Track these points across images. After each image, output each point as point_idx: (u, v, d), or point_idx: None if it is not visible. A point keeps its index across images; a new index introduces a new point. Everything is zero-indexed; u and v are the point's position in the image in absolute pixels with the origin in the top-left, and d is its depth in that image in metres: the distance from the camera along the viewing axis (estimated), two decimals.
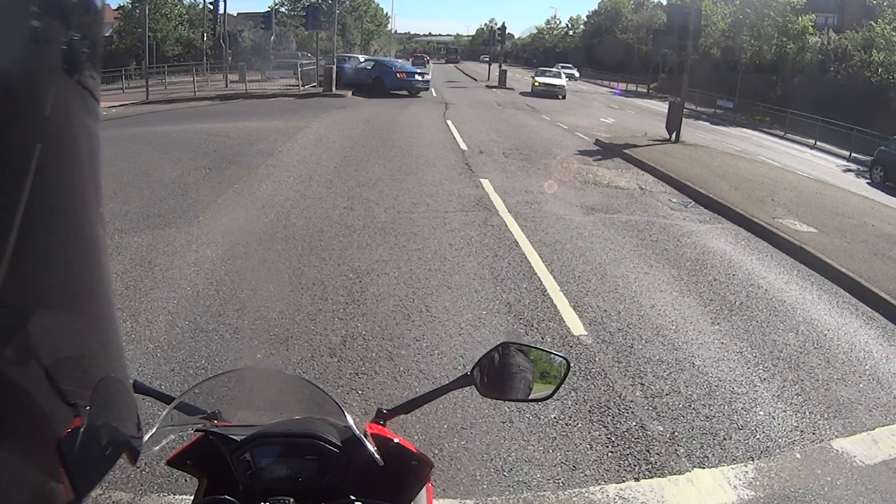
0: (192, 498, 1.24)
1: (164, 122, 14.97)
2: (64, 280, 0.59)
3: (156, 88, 24.02)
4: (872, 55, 28.23)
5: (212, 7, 32.23)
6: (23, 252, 0.51)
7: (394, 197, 7.97)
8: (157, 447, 1.06)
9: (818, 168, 17.43)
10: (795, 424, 3.61)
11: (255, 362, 3.78)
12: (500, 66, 36.68)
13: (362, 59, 28.33)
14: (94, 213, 0.61)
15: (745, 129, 26.48)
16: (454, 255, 5.86)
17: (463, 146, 12.52)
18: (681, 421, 3.51)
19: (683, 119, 15.33)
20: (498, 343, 1.38)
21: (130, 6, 35.32)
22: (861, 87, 27.21)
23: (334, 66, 23.91)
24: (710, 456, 3.22)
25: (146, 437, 1.01)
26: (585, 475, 2.98)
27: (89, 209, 0.61)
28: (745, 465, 3.17)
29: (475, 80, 40.58)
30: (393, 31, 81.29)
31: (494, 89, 32.51)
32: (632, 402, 3.64)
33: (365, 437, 1.09)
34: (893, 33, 28.48)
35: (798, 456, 3.31)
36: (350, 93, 23.17)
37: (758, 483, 3.04)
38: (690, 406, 3.66)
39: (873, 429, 3.66)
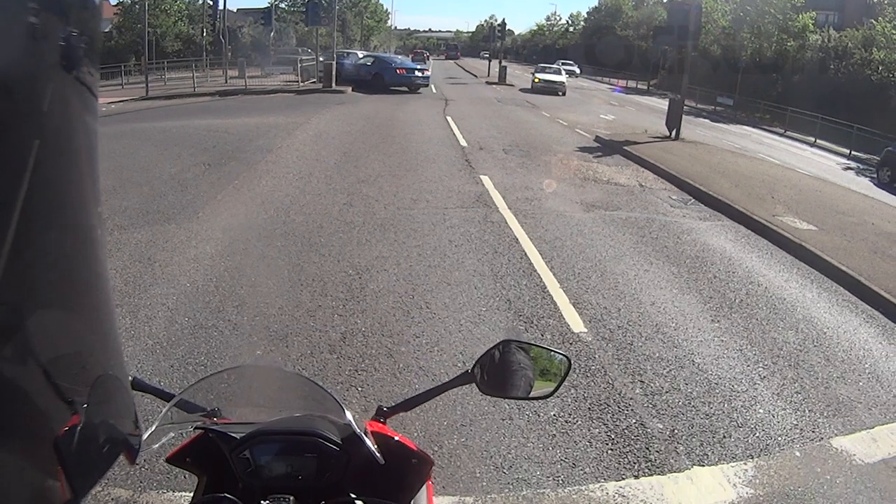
0: (191, 495, 1.23)
1: (163, 118, 14.94)
2: (62, 277, 0.59)
3: (155, 84, 23.96)
4: (873, 53, 28.17)
5: (211, 3, 32.24)
6: (20, 249, 0.50)
7: (393, 193, 7.96)
8: (157, 445, 1.06)
9: (818, 166, 17.41)
10: (795, 422, 3.61)
11: (255, 359, 3.78)
12: (500, 63, 36.58)
13: (360, 56, 28.25)
14: (92, 210, 0.61)
15: (745, 127, 26.45)
16: (454, 252, 5.86)
17: (463, 142, 12.50)
18: (680, 419, 3.51)
19: (683, 116, 15.30)
20: (498, 341, 1.36)
21: (130, 2, 35.22)
22: (861, 86, 27.15)
23: (334, 63, 23.87)
24: (709, 454, 3.22)
25: (145, 435, 1.01)
26: (585, 473, 2.98)
27: (87, 205, 0.60)
28: (745, 463, 3.17)
29: (475, 76, 40.50)
30: (393, 28, 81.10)
31: (494, 86, 32.44)
32: (631, 399, 3.64)
33: (365, 434, 1.08)
34: (894, 32, 28.41)
35: (797, 454, 3.31)
36: (350, 89, 23.14)
37: (757, 481, 3.04)
38: (690, 404, 3.66)
39: (873, 427, 3.66)
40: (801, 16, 32.76)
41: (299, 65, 25.51)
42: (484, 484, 2.84)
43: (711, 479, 3.03)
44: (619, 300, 5.09)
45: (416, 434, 3.06)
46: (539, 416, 3.37)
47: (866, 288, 5.87)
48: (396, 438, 1.24)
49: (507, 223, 6.93)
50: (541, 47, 77.70)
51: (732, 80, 31.80)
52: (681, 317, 4.90)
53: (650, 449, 3.20)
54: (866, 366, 4.45)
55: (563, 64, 42.29)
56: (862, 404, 3.91)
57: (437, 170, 9.63)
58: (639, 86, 42.13)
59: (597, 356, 4.12)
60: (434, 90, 26.43)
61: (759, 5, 33.98)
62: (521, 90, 30.08)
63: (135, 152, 9.74)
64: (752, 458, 3.23)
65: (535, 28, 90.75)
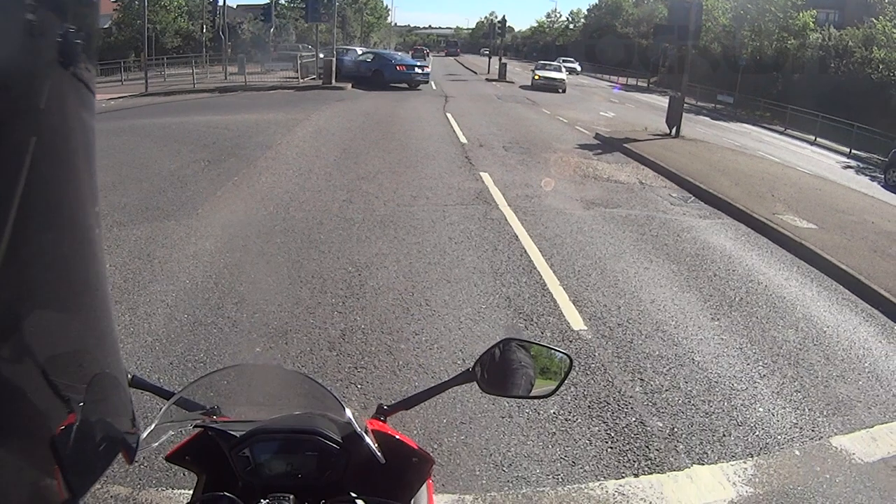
0: (191, 493, 1.23)
1: (162, 114, 14.91)
2: (59, 276, 0.58)
3: (155, 80, 23.92)
4: (873, 52, 28.13)
5: None
6: (17, 247, 0.50)
7: (393, 190, 7.95)
8: (156, 443, 1.05)
9: (818, 164, 17.40)
10: (795, 421, 3.61)
11: (254, 356, 3.77)
12: (500, 60, 36.56)
13: (360, 52, 28.20)
14: (89, 208, 0.60)
15: (745, 125, 26.42)
16: (454, 249, 5.85)
17: (463, 139, 12.49)
18: (680, 417, 3.50)
19: (684, 114, 15.29)
20: (499, 339, 1.36)
21: None
22: (861, 84, 27.12)
23: (334, 59, 23.83)
24: (709, 452, 3.22)
25: (144, 434, 1.00)
26: (585, 471, 2.98)
27: (85, 204, 0.60)
28: (745, 462, 3.17)
29: (475, 73, 40.46)
30: (393, 24, 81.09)
31: (494, 82, 32.40)
32: (631, 397, 3.64)
33: (366, 433, 1.07)
34: (894, 30, 28.39)
35: (797, 453, 3.31)
36: (349, 85, 23.11)
37: (757, 480, 3.04)
38: (690, 402, 3.66)
39: (872, 426, 3.66)
40: (801, 14, 32.71)
41: (299, 61, 25.47)
42: (483, 482, 2.84)
43: (711, 478, 3.03)
44: (619, 298, 5.09)
45: (415, 432, 3.06)
46: (539, 414, 3.36)
47: (866, 287, 5.87)
48: (397, 437, 1.24)
49: (506, 220, 6.92)
50: (541, 44, 77.66)
51: (733, 78, 31.75)
52: (681, 315, 4.89)
53: (650, 447, 3.20)
54: (866, 365, 4.45)
55: (563, 61, 42.18)
56: (861, 403, 3.91)
57: (437, 166, 9.62)
58: (639, 83, 42.08)
59: (597, 354, 4.12)
60: (434, 87, 26.41)
61: (759, 3, 33.94)
62: (521, 87, 30.06)
63: (134, 148, 9.72)
64: (752, 456, 3.23)
65: (536, 25, 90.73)
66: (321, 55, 25.58)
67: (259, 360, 3.70)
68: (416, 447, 1.25)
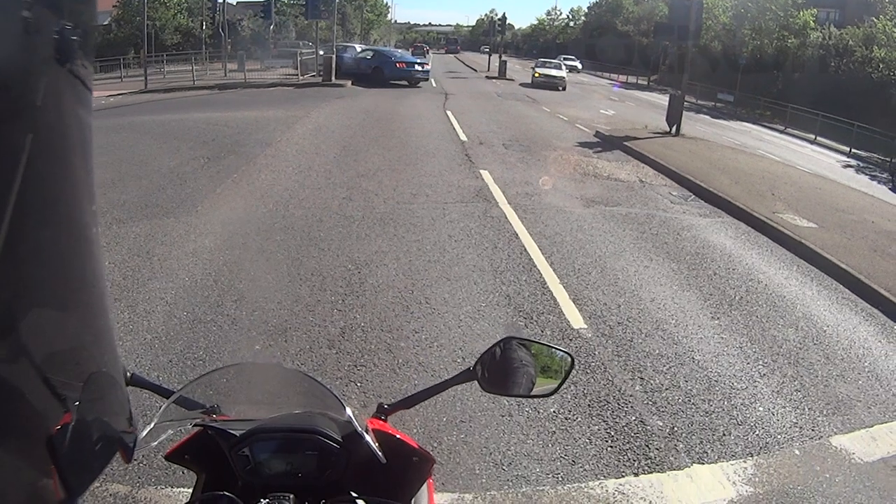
0: (190, 491, 1.22)
1: (162, 111, 14.90)
2: (56, 274, 0.57)
3: (154, 77, 23.89)
4: (873, 51, 28.12)
5: None
6: (14, 245, 0.49)
7: (393, 187, 7.94)
8: (155, 442, 1.04)
9: (818, 163, 17.39)
10: (794, 421, 3.61)
11: (254, 353, 3.76)
12: (500, 57, 36.55)
13: (359, 49, 28.16)
14: (86, 205, 0.60)
15: (745, 123, 26.40)
16: (453, 247, 5.84)
17: (463, 137, 12.47)
18: (680, 416, 3.50)
19: (684, 112, 15.28)
20: (500, 338, 1.35)
21: None
22: (862, 83, 27.11)
23: (334, 56, 23.78)
24: (709, 452, 3.21)
25: (144, 433, 1.00)
26: (585, 470, 2.98)
27: (82, 200, 0.59)
28: (745, 462, 3.17)
29: (475, 70, 40.42)
30: (393, 21, 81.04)
31: (494, 80, 32.39)
32: (631, 396, 3.63)
33: (366, 432, 1.07)
34: (895, 29, 28.37)
35: (797, 452, 3.31)
36: (349, 82, 23.06)
37: (757, 479, 3.04)
38: (690, 401, 3.66)
39: (872, 426, 3.65)
40: (802, 13, 32.70)
41: (299, 58, 25.43)
42: (483, 481, 2.84)
43: (711, 477, 3.02)
44: (619, 296, 5.08)
45: (415, 430, 3.06)
46: (538, 412, 3.36)
47: (866, 286, 5.86)
48: (398, 437, 1.23)
49: (506, 218, 6.91)
50: (541, 42, 77.55)
51: (733, 77, 31.74)
52: (681, 314, 4.89)
53: (650, 446, 3.19)
54: (866, 364, 4.45)
55: (564, 59, 42.14)
56: (861, 403, 3.91)
57: (437, 164, 9.60)
58: (639, 81, 42.05)
59: (597, 353, 4.11)
60: (434, 84, 26.38)
61: (760, 2, 33.91)
62: (521, 85, 30.04)
63: (134, 145, 9.71)
64: (752, 456, 3.23)
65: (536, 23, 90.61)
66: (321, 52, 25.54)
67: (258, 358, 3.70)
68: (416, 447, 1.24)
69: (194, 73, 24.03)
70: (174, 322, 4.06)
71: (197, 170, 8.33)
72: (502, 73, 34.08)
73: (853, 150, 21.27)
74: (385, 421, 1.32)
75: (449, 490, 2.74)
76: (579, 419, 3.36)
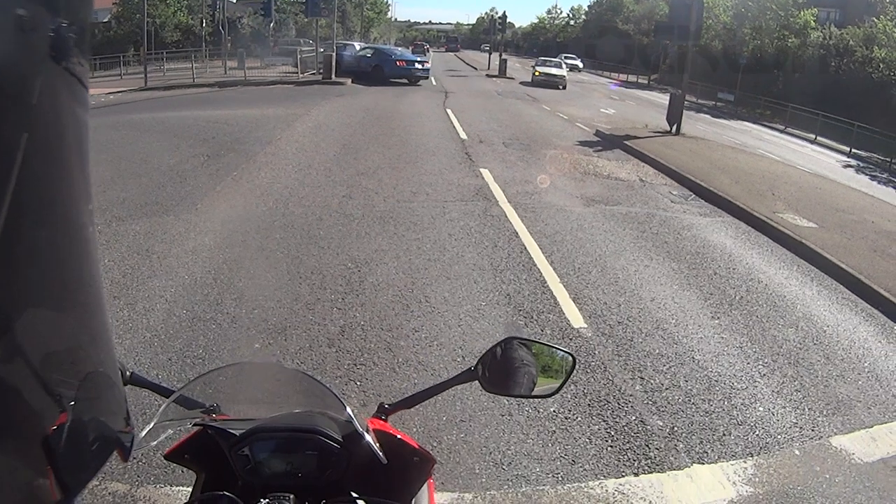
0: (189, 490, 1.22)
1: (162, 108, 14.87)
2: (52, 274, 0.57)
3: (154, 75, 23.86)
4: (874, 51, 28.11)
5: None
6: (9, 245, 0.49)
7: (393, 186, 7.93)
8: (155, 442, 1.04)
9: (818, 163, 17.38)
10: (794, 421, 3.60)
11: (253, 352, 3.76)
12: (500, 56, 36.51)
13: (359, 48, 28.13)
14: (82, 204, 0.59)
15: (745, 123, 26.40)
16: (453, 246, 5.83)
17: (463, 135, 12.46)
18: (680, 416, 3.50)
19: (684, 111, 15.27)
20: (501, 338, 1.34)
21: None
22: (862, 83, 27.10)
23: (334, 54, 23.76)
24: (709, 452, 3.21)
25: (144, 432, 0.99)
26: (585, 470, 2.97)
27: (78, 200, 0.59)
28: (745, 462, 3.16)
29: (475, 69, 40.39)
30: (393, 19, 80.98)
31: (494, 78, 32.38)
32: (631, 396, 3.63)
33: (367, 432, 1.06)
34: (895, 30, 28.36)
35: (797, 453, 3.30)
36: (349, 80, 23.04)
37: (757, 479, 3.04)
38: (690, 401, 3.65)
39: (872, 426, 3.65)
40: (802, 12, 32.71)
41: (299, 56, 25.38)
42: (483, 480, 2.83)
43: (711, 477, 3.02)
44: (620, 296, 5.07)
45: (415, 429, 3.05)
46: (539, 412, 3.36)
47: (866, 286, 5.86)
48: (398, 437, 1.22)
49: (506, 217, 6.91)
50: (541, 41, 77.49)
51: (733, 76, 31.71)
52: (681, 313, 4.88)
53: (650, 446, 3.19)
54: (866, 364, 4.45)
55: (566, 58, 42.07)
56: (861, 403, 3.91)
57: (437, 162, 9.59)
58: (639, 80, 42.03)
59: (597, 352, 4.11)
60: (434, 82, 26.37)
61: (760, 1, 33.96)
62: (522, 83, 30.02)
63: (133, 143, 9.70)
64: (752, 456, 3.22)
65: (536, 21, 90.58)
66: (321, 50, 25.52)
67: (258, 357, 3.69)
68: (417, 447, 1.24)
69: (194, 70, 23.99)
70: (173, 320, 4.05)
71: (197, 167, 8.32)
72: (502, 72, 34.06)
73: (853, 150, 21.26)
74: (385, 421, 1.32)
75: (449, 490, 2.74)
76: (579, 419, 3.36)
